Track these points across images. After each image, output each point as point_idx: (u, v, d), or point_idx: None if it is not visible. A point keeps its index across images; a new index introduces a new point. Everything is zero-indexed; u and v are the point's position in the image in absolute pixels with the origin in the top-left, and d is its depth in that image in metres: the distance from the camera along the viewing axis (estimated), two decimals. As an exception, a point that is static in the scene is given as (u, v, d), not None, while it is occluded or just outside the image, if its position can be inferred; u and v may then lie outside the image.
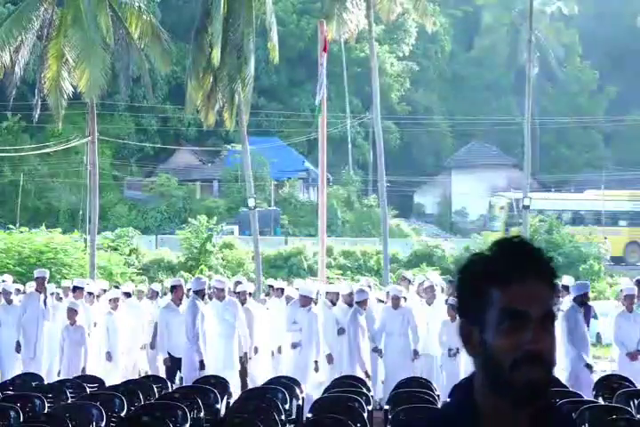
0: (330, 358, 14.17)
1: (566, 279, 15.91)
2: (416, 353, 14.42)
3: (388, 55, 56.95)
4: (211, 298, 15.51)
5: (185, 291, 15.44)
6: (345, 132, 53.53)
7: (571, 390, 11.32)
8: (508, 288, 2.20)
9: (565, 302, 15.22)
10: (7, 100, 26.90)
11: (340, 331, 14.31)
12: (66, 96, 25.45)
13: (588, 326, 14.36)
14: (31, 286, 17.61)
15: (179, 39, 41.92)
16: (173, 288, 14.63)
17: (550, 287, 2.24)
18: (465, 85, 62.60)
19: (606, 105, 63.21)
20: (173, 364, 14.13)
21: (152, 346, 16.60)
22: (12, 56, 24.58)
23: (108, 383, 12.22)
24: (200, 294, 13.90)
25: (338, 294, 14.67)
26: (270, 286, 17.58)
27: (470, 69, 63.41)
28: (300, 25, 55.06)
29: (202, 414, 9.92)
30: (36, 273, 16.40)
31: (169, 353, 14.20)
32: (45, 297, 15.41)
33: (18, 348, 15.25)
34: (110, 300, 16.04)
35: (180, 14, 49.62)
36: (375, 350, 14.46)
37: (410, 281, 15.93)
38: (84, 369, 14.16)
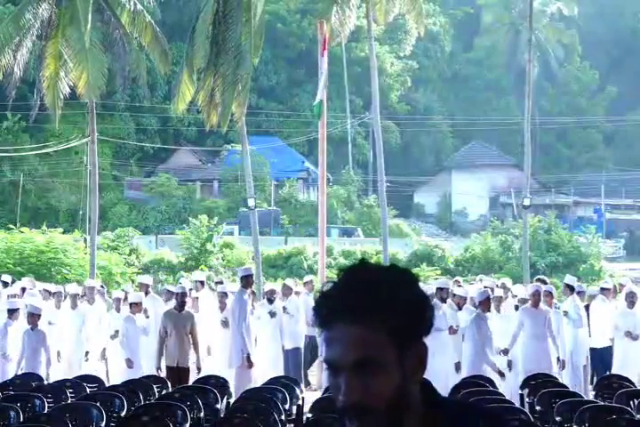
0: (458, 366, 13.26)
1: (569, 279, 15.89)
2: (558, 361, 13.45)
3: (388, 55, 56.97)
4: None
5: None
6: (345, 132, 53.54)
7: (570, 390, 11.32)
8: (324, 332, 2.02)
9: (569, 302, 15.24)
10: (7, 100, 26.90)
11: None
12: (62, 96, 25.44)
13: None
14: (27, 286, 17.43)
15: (179, 39, 41.93)
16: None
17: (371, 329, 1.96)
18: (465, 85, 62.66)
19: (606, 105, 63.26)
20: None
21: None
22: (12, 56, 24.57)
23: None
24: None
25: (465, 298, 13.76)
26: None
27: (470, 69, 63.47)
28: (301, 25, 55.07)
29: (202, 414, 9.92)
30: (243, 271, 14.76)
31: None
32: (253, 299, 14.40)
33: (249, 362, 13.71)
34: (131, 304, 14.93)
35: (181, 14, 49.61)
36: (504, 351, 13.57)
37: None
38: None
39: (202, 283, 16.93)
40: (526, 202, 29.72)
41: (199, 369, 13.83)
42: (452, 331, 13.19)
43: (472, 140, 58.13)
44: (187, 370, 13.42)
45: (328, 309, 2.00)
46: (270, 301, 15.70)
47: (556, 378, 12.27)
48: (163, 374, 13.27)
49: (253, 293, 16.39)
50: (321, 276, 18.19)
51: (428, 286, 14.44)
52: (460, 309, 13.52)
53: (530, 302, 13.60)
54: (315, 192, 46.14)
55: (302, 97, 53.42)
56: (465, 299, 13.66)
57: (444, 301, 13.30)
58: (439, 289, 13.46)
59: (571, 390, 11.33)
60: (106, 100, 41.35)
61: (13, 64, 24.58)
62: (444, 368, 12.78)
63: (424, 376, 2.06)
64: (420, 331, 2.03)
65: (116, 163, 48.81)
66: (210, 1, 25.65)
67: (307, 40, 52.58)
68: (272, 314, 15.25)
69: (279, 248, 35.12)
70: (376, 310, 1.96)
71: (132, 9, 25.90)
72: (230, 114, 25.66)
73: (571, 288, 15.48)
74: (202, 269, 30.95)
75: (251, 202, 27.92)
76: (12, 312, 13.82)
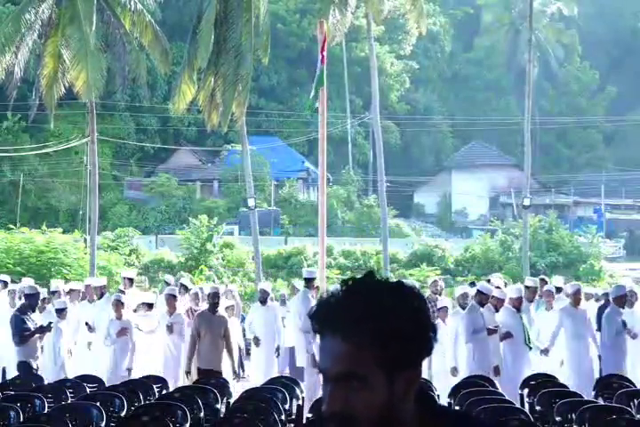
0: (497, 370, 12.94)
1: (557, 280, 15.89)
2: (600, 360, 13.40)
3: (388, 55, 56.97)
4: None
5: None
6: (345, 132, 53.53)
7: (571, 390, 11.31)
8: (320, 340, 2.04)
9: (557, 302, 15.16)
10: (7, 100, 26.90)
11: (507, 335, 13.20)
12: (60, 95, 25.45)
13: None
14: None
15: (179, 39, 41.91)
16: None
17: (360, 346, 1.97)
18: (465, 85, 62.65)
19: (606, 105, 63.26)
20: None
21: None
22: (12, 56, 24.57)
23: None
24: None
25: (503, 299, 13.36)
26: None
27: (470, 69, 63.46)
28: (301, 25, 55.08)
29: (202, 414, 9.90)
30: (307, 273, 15.29)
31: None
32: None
33: (315, 362, 13.82)
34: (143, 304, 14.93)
35: (181, 14, 49.60)
36: (544, 351, 13.50)
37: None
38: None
39: (131, 280, 16.52)
40: (526, 202, 29.76)
41: (236, 373, 13.55)
42: (491, 332, 12.94)
43: (472, 140, 58.10)
44: (220, 374, 12.99)
45: (323, 318, 2.01)
46: (263, 302, 15.39)
47: (556, 378, 12.25)
48: (193, 377, 12.90)
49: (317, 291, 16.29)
50: (321, 276, 18.17)
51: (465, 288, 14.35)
52: (497, 310, 13.25)
53: (570, 301, 13.54)
54: (315, 192, 46.13)
55: (302, 97, 53.33)
56: (502, 300, 13.32)
57: (482, 305, 12.99)
58: (480, 293, 13.16)
59: (571, 390, 11.32)
60: (106, 100, 41.34)
61: (14, 64, 24.59)
62: (483, 370, 12.50)
63: (427, 379, 2.07)
64: (414, 353, 2.01)
65: (116, 163, 48.79)
66: (211, 1, 25.67)
67: (307, 40, 52.57)
68: (169, 327, 14.25)
69: (279, 248, 35.11)
70: (368, 328, 1.96)
71: (133, 9, 25.91)
72: (230, 114, 25.68)
73: (557, 289, 15.44)
74: (202, 270, 30.97)
75: (251, 202, 27.94)
76: None
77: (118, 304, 13.91)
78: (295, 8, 56.38)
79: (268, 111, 53.62)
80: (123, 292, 15.92)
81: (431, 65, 62.24)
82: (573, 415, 9.36)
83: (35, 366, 13.11)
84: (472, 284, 17.51)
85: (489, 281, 17.42)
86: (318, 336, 2.03)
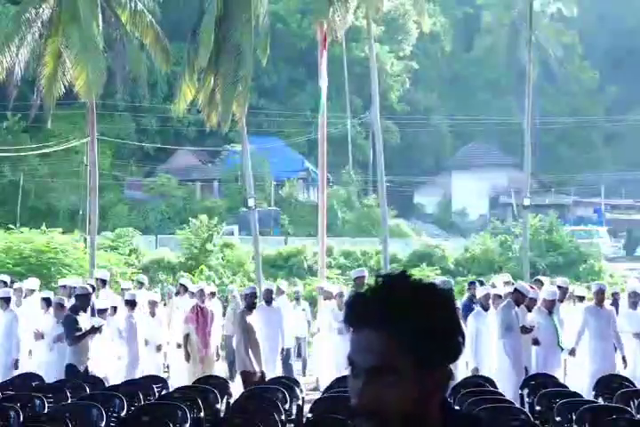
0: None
1: (561, 281, 15.93)
2: (624, 361, 13.39)
3: (388, 55, 56.97)
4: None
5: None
6: (345, 132, 53.51)
7: (570, 390, 11.30)
8: (352, 333, 2.06)
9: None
10: (7, 99, 26.89)
11: (535, 342, 13.22)
12: (59, 95, 25.44)
13: None
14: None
15: (179, 39, 41.88)
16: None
17: (394, 341, 2.00)
18: (465, 85, 62.63)
19: (606, 105, 63.26)
20: None
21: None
22: (13, 56, 24.56)
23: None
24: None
25: (536, 299, 13.34)
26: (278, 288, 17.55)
27: (470, 69, 63.45)
28: (301, 25, 55.07)
29: (202, 414, 9.90)
30: (355, 273, 15.68)
31: None
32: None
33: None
34: (149, 302, 14.91)
35: (181, 14, 49.57)
36: (571, 352, 13.52)
37: None
38: None
39: (103, 282, 16.29)
40: (526, 202, 29.69)
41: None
42: (525, 331, 12.93)
43: (472, 140, 58.09)
44: (263, 373, 13.05)
45: (358, 312, 2.04)
46: (268, 302, 15.26)
47: (556, 378, 12.24)
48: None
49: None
50: (321, 276, 18.19)
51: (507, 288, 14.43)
52: (529, 310, 13.22)
53: (593, 300, 13.50)
54: (315, 192, 46.13)
55: (302, 97, 53.38)
56: (535, 300, 13.33)
57: (518, 304, 12.94)
58: (518, 292, 13.07)
59: (571, 390, 11.31)
60: (106, 100, 41.32)
61: (14, 64, 24.58)
62: (515, 369, 12.52)
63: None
64: (445, 353, 2.05)
65: (116, 163, 48.77)
66: (211, 1, 25.66)
67: (307, 40, 52.53)
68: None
69: (279, 248, 35.09)
70: (404, 324, 1.99)
71: (133, 8, 25.90)
72: (231, 114, 25.66)
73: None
74: (202, 270, 30.97)
75: (251, 202, 27.90)
76: None
77: (58, 307, 13.73)
78: (295, 8, 56.35)
79: (268, 111, 53.61)
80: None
81: (431, 65, 62.22)
82: (573, 415, 9.36)
83: (81, 370, 12.93)
84: (472, 283, 17.55)
85: (482, 283, 17.48)
86: (352, 329, 2.06)
